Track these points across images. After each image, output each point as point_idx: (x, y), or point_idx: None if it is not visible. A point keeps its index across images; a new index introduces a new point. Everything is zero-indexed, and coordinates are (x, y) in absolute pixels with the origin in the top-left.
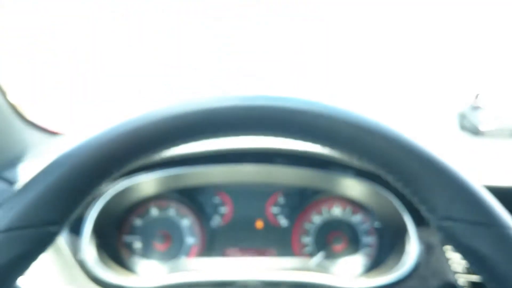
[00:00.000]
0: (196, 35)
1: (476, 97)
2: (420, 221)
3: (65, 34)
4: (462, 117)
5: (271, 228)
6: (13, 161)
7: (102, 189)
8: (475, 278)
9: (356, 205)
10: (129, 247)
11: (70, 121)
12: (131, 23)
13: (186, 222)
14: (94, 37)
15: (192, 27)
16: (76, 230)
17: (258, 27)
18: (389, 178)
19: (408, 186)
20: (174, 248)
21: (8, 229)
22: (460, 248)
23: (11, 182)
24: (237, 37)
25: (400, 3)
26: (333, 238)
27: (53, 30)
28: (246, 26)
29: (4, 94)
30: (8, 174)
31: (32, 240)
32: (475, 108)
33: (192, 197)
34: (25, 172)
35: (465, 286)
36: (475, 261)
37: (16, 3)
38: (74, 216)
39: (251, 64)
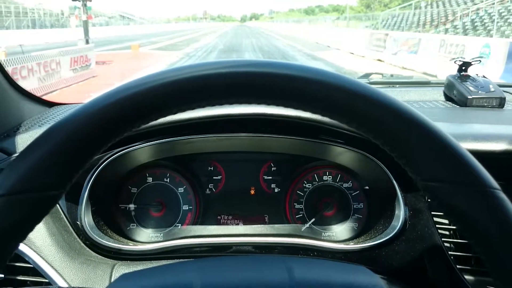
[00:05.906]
0: None
1: (463, 66)
2: (408, 187)
3: None
4: (449, 87)
5: (264, 195)
6: (10, 132)
7: (98, 157)
8: (461, 241)
9: (346, 172)
10: (125, 214)
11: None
12: None
13: (181, 190)
14: None
15: None
16: (73, 197)
17: None
18: (377, 142)
19: (395, 150)
20: (169, 215)
21: (9, 193)
22: (445, 207)
23: (8, 153)
24: None
25: None
26: (324, 204)
27: None
28: None
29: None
30: (5, 145)
31: (32, 204)
32: (462, 77)
33: (187, 166)
34: (22, 143)
35: (450, 249)
36: (460, 220)
37: None
38: (73, 180)
39: None
